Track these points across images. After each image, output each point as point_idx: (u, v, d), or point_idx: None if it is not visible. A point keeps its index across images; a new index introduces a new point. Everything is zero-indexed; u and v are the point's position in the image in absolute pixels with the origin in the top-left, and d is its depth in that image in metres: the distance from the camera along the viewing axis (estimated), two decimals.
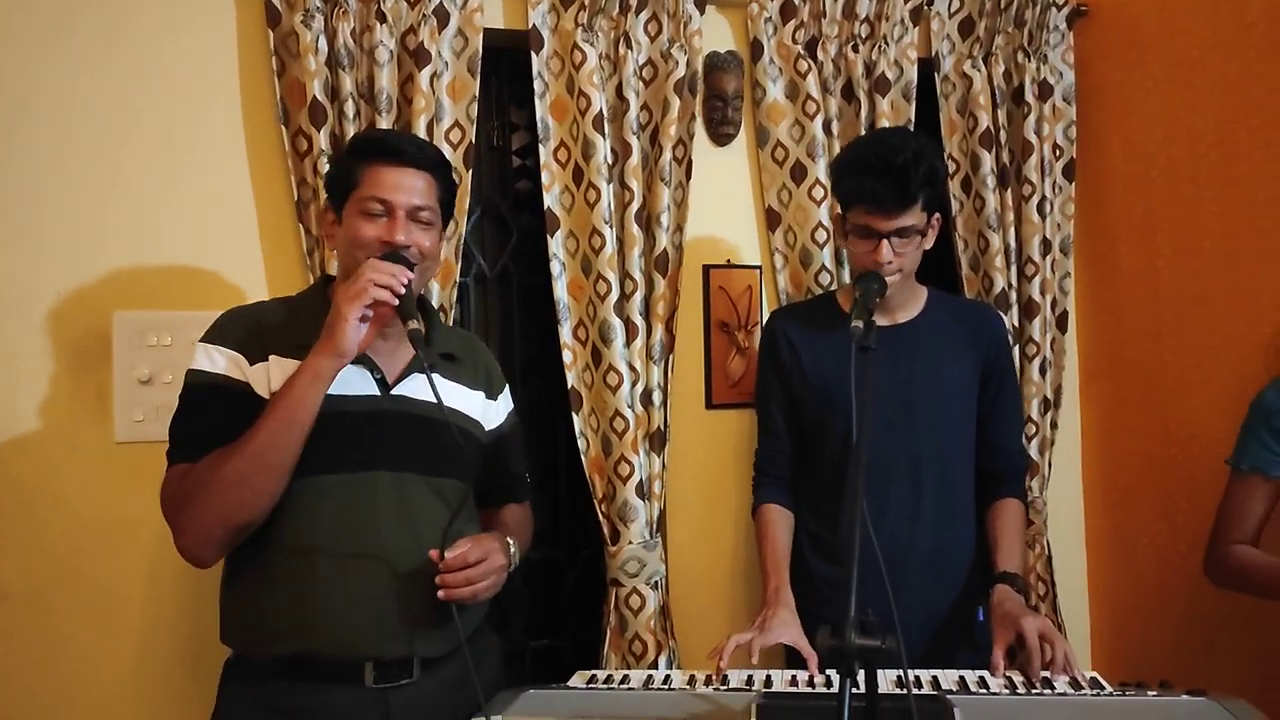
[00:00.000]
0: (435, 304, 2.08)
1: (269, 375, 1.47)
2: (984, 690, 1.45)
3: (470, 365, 1.69)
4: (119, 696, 1.96)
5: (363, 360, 1.51)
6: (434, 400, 1.45)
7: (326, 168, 1.67)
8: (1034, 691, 1.45)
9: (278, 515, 1.44)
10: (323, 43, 2.00)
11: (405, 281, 1.45)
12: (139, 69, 1.99)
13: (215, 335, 1.52)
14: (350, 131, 2.00)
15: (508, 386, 1.78)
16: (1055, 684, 1.49)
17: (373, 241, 1.50)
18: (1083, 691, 1.44)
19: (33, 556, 1.92)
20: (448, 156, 2.09)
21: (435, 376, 1.47)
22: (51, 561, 1.93)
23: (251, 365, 1.48)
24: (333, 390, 1.46)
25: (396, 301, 1.44)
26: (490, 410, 1.71)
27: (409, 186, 1.52)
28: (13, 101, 1.92)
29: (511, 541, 1.59)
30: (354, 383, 1.51)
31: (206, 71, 2.04)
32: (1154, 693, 1.40)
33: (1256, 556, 1.76)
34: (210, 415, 1.45)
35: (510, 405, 1.78)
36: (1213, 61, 2.24)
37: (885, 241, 1.79)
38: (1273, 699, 1.47)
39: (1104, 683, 1.48)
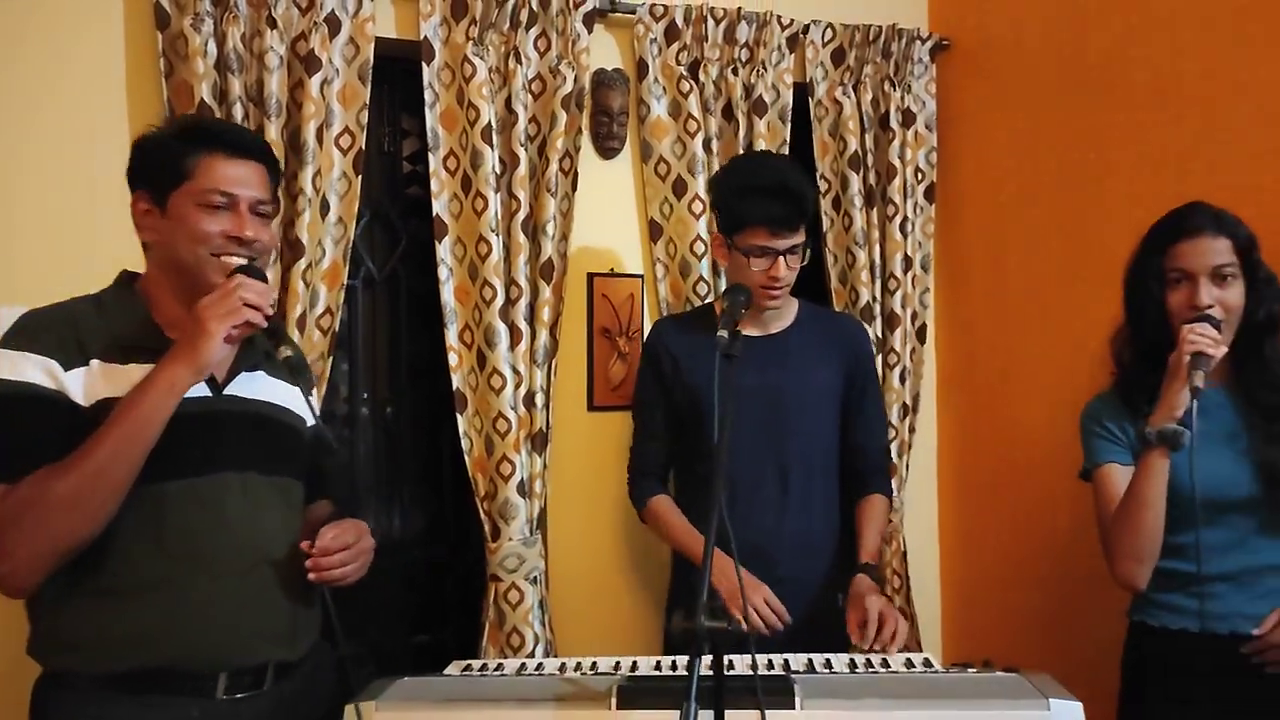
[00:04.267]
0: (322, 306, 2.13)
1: (91, 381, 1.38)
2: (827, 670, 1.58)
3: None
4: None
5: None
6: (266, 400, 1.50)
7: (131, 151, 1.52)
8: (870, 670, 1.59)
9: (118, 522, 1.36)
10: (212, 46, 2.02)
11: (273, 302, 1.44)
12: (22, 67, 1.98)
13: (20, 340, 1.39)
14: None
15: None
16: (890, 663, 1.63)
17: (217, 236, 1.44)
18: (914, 669, 1.59)
19: None
20: (337, 162, 2.15)
21: (260, 374, 1.53)
22: None
23: (67, 371, 1.37)
24: None
25: (265, 324, 1.42)
26: (307, 407, 1.63)
27: (250, 180, 1.48)
28: None
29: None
30: None
31: (92, 72, 2.03)
32: (974, 670, 1.55)
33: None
34: (26, 429, 1.35)
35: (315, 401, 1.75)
36: (1056, 97, 2.44)
37: (782, 259, 1.93)
38: (1096, 676, 1.69)
39: (934, 662, 1.64)
